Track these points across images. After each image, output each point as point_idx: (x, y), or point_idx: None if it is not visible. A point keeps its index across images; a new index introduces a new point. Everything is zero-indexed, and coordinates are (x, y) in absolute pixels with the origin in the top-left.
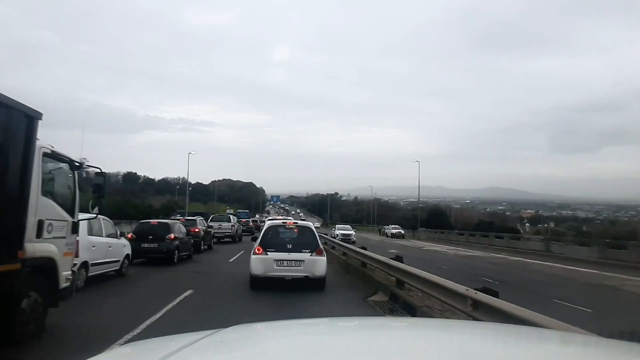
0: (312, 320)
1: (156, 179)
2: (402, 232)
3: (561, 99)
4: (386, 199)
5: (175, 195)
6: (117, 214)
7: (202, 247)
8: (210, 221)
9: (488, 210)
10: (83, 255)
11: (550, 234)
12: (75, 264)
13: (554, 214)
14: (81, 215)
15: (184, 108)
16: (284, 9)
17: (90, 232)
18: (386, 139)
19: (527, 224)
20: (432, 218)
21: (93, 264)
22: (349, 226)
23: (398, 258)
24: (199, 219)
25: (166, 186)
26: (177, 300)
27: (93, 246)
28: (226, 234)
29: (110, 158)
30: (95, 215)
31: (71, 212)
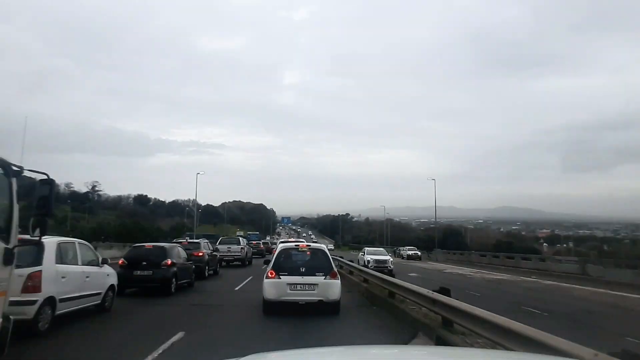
0: (329, 348)
1: (166, 202)
2: (419, 253)
3: (573, 118)
4: (397, 219)
5: (184, 217)
6: (125, 237)
7: (206, 273)
8: (219, 244)
9: (502, 230)
10: (48, 289)
11: (574, 255)
12: (32, 302)
13: (571, 233)
14: (52, 238)
15: (195, 131)
16: (295, 33)
17: (60, 260)
18: (397, 160)
19: (544, 244)
20: (447, 238)
21: (63, 300)
22: (382, 249)
23: (444, 291)
24: (203, 241)
25: (176, 208)
26: (162, 348)
27: (63, 277)
28: (235, 257)
29: (122, 181)
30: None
31: (3, 235)
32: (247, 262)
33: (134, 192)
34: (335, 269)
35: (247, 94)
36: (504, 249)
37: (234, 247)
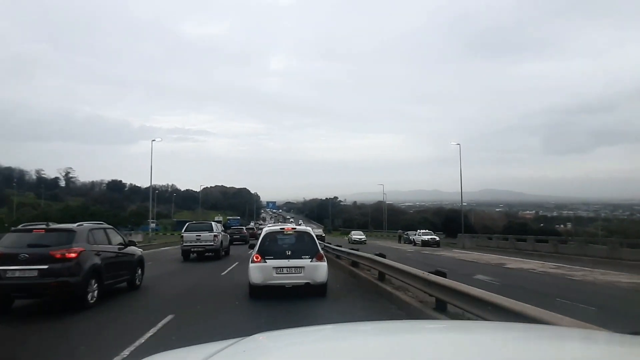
0: (333, 325)
1: (142, 187)
2: (437, 239)
3: (553, 102)
4: (389, 202)
5: (161, 202)
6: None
7: (137, 280)
8: (185, 231)
9: (500, 210)
10: None
11: (577, 235)
12: None
13: (555, 214)
14: None
15: (179, 118)
16: (280, 18)
17: None
18: (382, 144)
19: (561, 226)
20: (452, 221)
21: None
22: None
23: None
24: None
25: (153, 193)
26: None
27: None
28: (207, 247)
29: (103, 169)
30: None
31: None
32: (222, 253)
33: (112, 179)
34: (322, 252)
35: (232, 79)
36: (517, 232)
37: (205, 235)
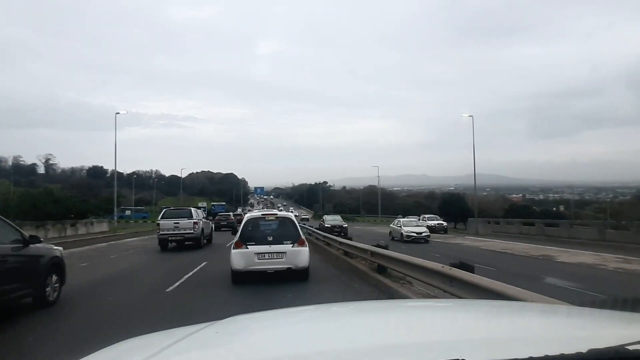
0: (308, 307)
1: (125, 173)
2: (445, 224)
3: (540, 86)
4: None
5: (146, 189)
6: (32, 213)
7: (51, 293)
8: (161, 218)
9: (486, 193)
10: None
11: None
12: None
13: (541, 197)
14: None
15: (166, 104)
16: (270, 3)
17: None
18: (371, 129)
19: (561, 207)
20: (450, 205)
21: None
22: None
23: None
24: None
25: (136, 179)
26: None
27: None
28: (186, 235)
29: (90, 156)
30: None
31: None
32: (203, 241)
33: (93, 165)
34: (303, 237)
35: (220, 65)
36: (520, 214)
37: (184, 223)
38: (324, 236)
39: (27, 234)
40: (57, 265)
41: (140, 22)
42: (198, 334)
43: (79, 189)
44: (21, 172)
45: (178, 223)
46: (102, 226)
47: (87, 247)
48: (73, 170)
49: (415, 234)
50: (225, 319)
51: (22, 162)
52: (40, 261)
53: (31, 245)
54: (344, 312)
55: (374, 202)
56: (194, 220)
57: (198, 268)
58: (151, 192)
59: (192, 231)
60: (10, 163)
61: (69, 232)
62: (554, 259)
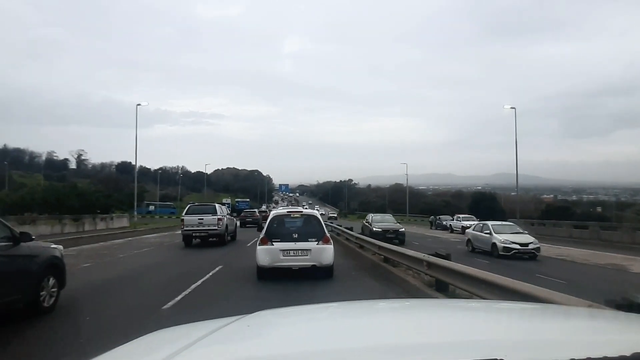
0: (336, 303)
1: (152, 169)
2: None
3: (573, 84)
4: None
5: (171, 184)
6: (56, 207)
7: (47, 298)
8: (185, 214)
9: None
10: None
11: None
12: None
13: (574, 197)
14: None
15: (194, 101)
16: (294, 1)
17: None
18: (395, 128)
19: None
20: (478, 204)
21: None
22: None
23: None
24: None
25: (162, 175)
26: None
27: None
28: (210, 231)
29: (119, 152)
30: None
31: None
32: (227, 238)
33: (122, 161)
34: (328, 235)
35: (245, 62)
36: (558, 216)
37: (208, 219)
38: (357, 237)
39: (17, 230)
40: (54, 267)
41: (169, 21)
42: (229, 327)
43: (107, 183)
44: (53, 167)
45: (202, 219)
46: (122, 221)
47: (101, 243)
48: (103, 166)
49: (517, 246)
50: (253, 314)
51: (55, 158)
52: (34, 262)
53: (22, 244)
54: (376, 309)
55: (400, 201)
56: (218, 217)
57: (210, 275)
58: (177, 187)
59: (216, 227)
60: (43, 158)
61: (88, 227)
62: (628, 270)
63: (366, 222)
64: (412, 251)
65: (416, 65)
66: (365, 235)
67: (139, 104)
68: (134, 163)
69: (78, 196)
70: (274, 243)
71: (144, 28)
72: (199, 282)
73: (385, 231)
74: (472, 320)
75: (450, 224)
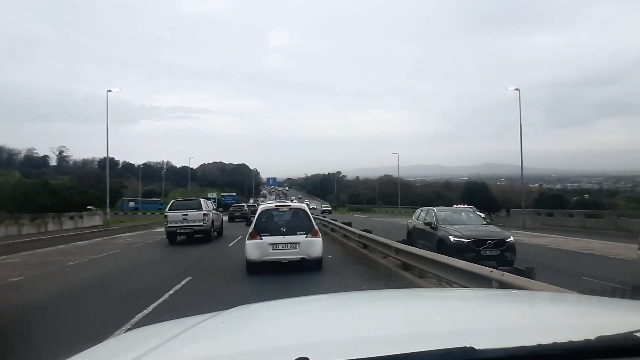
0: (314, 297)
1: (136, 164)
2: (482, 215)
3: (557, 74)
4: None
5: (157, 180)
6: (24, 205)
7: None
8: (169, 210)
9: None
10: None
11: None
12: None
13: (559, 186)
14: None
15: (180, 96)
16: None
17: None
18: (383, 120)
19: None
20: (472, 195)
21: None
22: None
23: None
24: None
25: (147, 171)
26: None
27: None
28: (195, 227)
29: (103, 148)
30: None
31: None
32: (214, 234)
33: (104, 157)
34: (317, 228)
35: (232, 57)
36: (550, 205)
37: (193, 214)
38: (359, 235)
39: None
40: None
41: (154, 16)
42: (206, 322)
43: (87, 180)
44: (32, 164)
45: (187, 215)
46: (94, 220)
47: (60, 246)
48: (84, 162)
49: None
50: (234, 308)
51: (35, 155)
52: None
53: None
54: (349, 301)
55: (390, 193)
56: (204, 212)
57: (172, 291)
58: (165, 182)
59: (201, 223)
60: (22, 156)
61: (53, 226)
62: None
63: (426, 223)
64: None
65: (405, 59)
66: (423, 246)
67: (109, 90)
68: (117, 159)
69: (50, 193)
70: (262, 237)
71: (129, 23)
72: (155, 305)
73: (479, 242)
74: (440, 309)
75: None
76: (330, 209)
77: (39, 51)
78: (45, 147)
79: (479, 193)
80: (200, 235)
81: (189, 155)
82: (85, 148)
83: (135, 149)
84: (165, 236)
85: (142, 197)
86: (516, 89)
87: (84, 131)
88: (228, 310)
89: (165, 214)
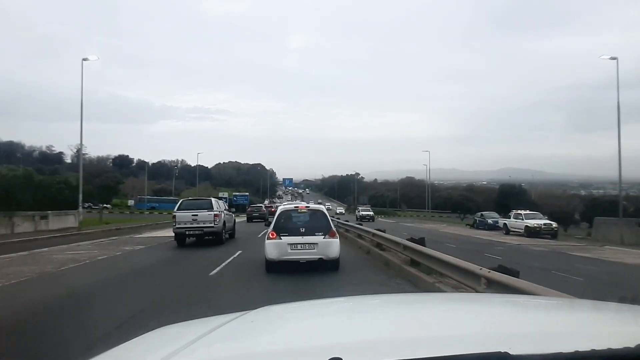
0: (339, 298)
1: (150, 162)
2: (554, 225)
3: (581, 77)
4: (419, 178)
5: (166, 178)
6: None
7: None
8: (177, 209)
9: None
10: None
11: None
12: None
13: (582, 192)
14: None
15: (199, 97)
16: None
17: None
18: (401, 122)
19: None
20: (507, 198)
21: None
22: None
23: None
24: None
25: (160, 169)
26: None
27: None
28: (206, 229)
29: (125, 147)
30: None
31: None
32: (225, 236)
33: (119, 154)
34: (334, 229)
35: (251, 58)
36: (605, 214)
37: (203, 215)
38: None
39: None
40: None
41: (175, 17)
42: (233, 323)
43: (99, 177)
44: (47, 161)
45: (196, 215)
46: (67, 220)
47: None
48: (99, 159)
49: None
50: (259, 309)
51: (52, 151)
52: None
53: None
54: (380, 304)
55: (413, 195)
56: (215, 212)
57: None
58: (178, 181)
59: (212, 224)
60: (38, 153)
61: (3, 230)
62: None
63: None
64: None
65: (424, 59)
66: None
67: (85, 59)
68: (131, 156)
69: (35, 188)
70: (282, 237)
71: (151, 24)
72: None
73: None
74: (475, 313)
75: (505, 223)
76: (372, 213)
77: (64, 52)
78: (65, 145)
79: (515, 197)
80: (211, 237)
81: (205, 154)
82: (108, 147)
83: (153, 148)
84: (135, 247)
85: (149, 195)
86: (612, 58)
87: (106, 130)
88: (254, 311)
89: (174, 214)
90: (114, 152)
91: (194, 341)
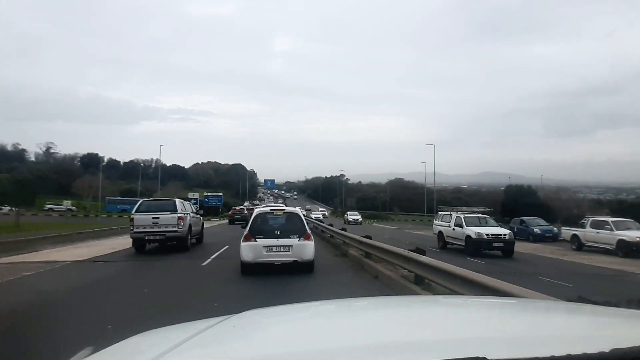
0: (323, 302)
1: (122, 161)
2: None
3: (558, 84)
4: (406, 180)
5: (149, 179)
6: None
7: None
8: (135, 211)
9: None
10: None
11: None
12: None
13: (581, 195)
14: None
15: (182, 99)
16: (285, 0)
17: None
18: (384, 127)
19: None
20: (517, 201)
21: None
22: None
23: None
24: None
25: (133, 169)
26: None
27: None
28: (168, 234)
29: (106, 148)
30: None
31: None
32: (192, 241)
33: (88, 152)
34: (309, 231)
35: (235, 61)
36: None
37: (165, 218)
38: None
39: None
40: None
41: (159, 18)
42: (215, 327)
43: (61, 174)
44: (5, 159)
45: (158, 218)
46: None
47: None
48: (65, 158)
49: None
50: (241, 313)
51: (19, 148)
52: None
53: None
54: (361, 307)
55: (403, 197)
56: (179, 215)
57: None
58: (152, 181)
59: (175, 229)
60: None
61: None
62: None
63: None
64: None
65: (407, 65)
66: None
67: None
68: (101, 155)
69: None
70: (257, 239)
71: (134, 25)
72: None
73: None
74: (452, 317)
75: (576, 235)
76: (359, 217)
77: (42, 51)
78: (33, 143)
79: (524, 199)
80: (173, 243)
81: (184, 155)
82: (83, 147)
83: (134, 149)
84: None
85: (120, 197)
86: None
87: (87, 132)
88: (238, 315)
89: (132, 216)
90: (81, 149)
91: (176, 346)
